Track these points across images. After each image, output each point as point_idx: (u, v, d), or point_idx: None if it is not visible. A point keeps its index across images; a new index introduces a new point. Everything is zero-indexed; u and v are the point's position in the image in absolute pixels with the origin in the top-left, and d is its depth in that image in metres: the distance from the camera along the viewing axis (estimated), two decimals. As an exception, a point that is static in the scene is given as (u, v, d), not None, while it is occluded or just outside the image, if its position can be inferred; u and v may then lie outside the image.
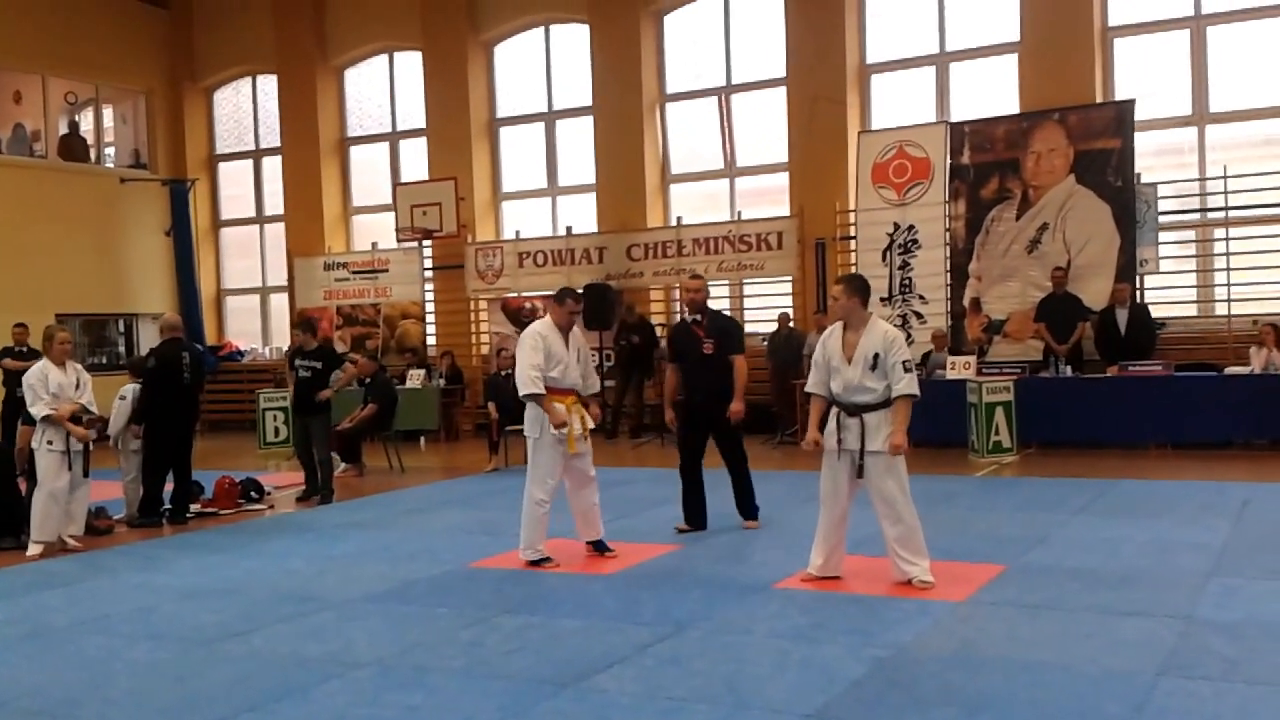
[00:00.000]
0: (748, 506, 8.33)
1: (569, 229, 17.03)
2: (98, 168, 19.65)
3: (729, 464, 8.28)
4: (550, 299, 7.86)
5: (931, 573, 6.26)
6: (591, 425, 7.46)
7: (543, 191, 18.00)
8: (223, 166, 20.90)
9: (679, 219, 16.33)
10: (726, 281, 16.15)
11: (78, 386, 8.62)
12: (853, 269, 14.63)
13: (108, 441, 10.09)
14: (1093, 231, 13.30)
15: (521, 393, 7.26)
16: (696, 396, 8.11)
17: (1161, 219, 13.42)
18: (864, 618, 5.69)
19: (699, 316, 8.18)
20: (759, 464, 8.44)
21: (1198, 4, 13.80)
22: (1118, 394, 11.99)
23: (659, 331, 15.86)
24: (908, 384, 6.22)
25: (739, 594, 6.30)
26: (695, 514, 8.22)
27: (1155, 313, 13.13)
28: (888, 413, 6.25)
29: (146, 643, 5.78)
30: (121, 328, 19.71)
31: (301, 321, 12.09)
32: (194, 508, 10.06)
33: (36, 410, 8.40)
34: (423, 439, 15.83)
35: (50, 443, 8.44)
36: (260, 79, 20.19)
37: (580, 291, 7.79)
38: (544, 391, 7.16)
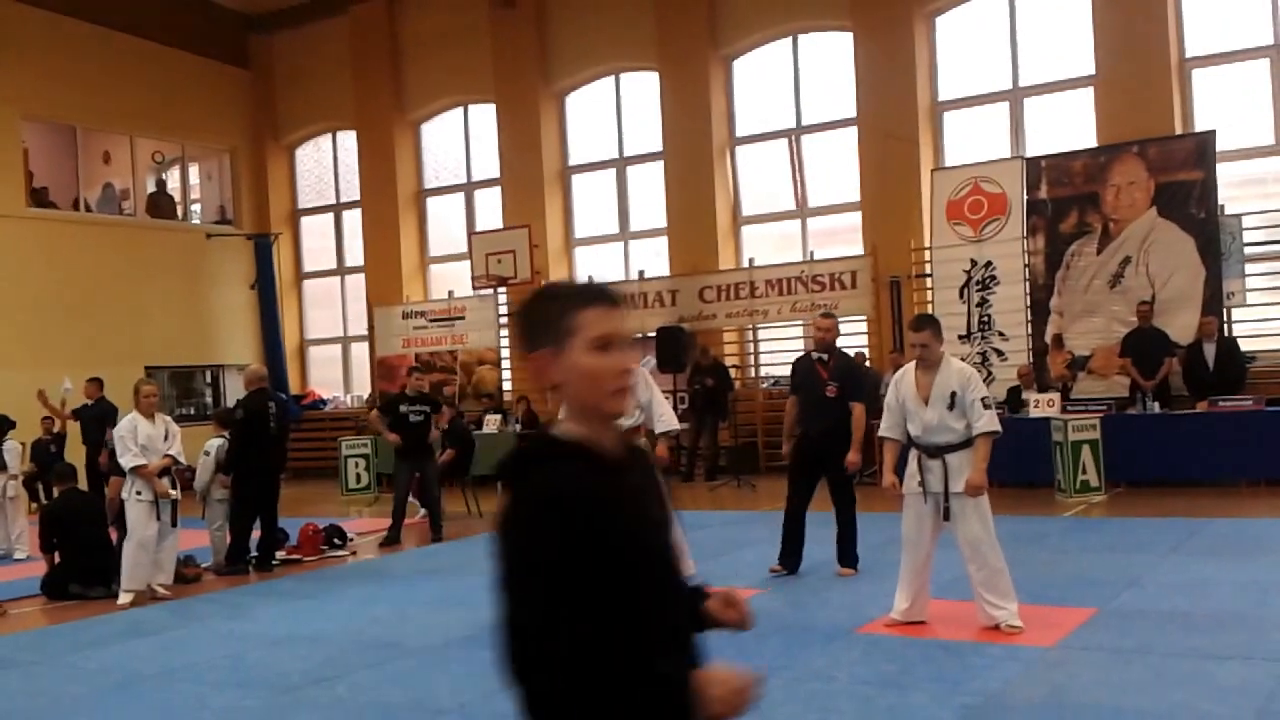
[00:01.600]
0: (848, 554, 8.11)
1: (641, 273, 17.12)
2: (184, 224, 20.24)
3: (837, 507, 8.11)
4: None
5: (1020, 617, 6.11)
6: None
7: (614, 236, 18.15)
8: (305, 220, 21.41)
9: (751, 260, 16.33)
10: (800, 322, 16.06)
11: (166, 438, 8.83)
12: (929, 307, 14.48)
13: (194, 492, 10.32)
14: (1177, 264, 13.02)
15: None
16: (811, 433, 7.95)
17: (1247, 250, 13.10)
18: (951, 664, 5.57)
19: (825, 355, 8.10)
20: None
21: (1277, 32, 13.53)
22: (1207, 430, 11.67)
23: (733, 374, 15.84)
24: (988, 421, 6.12)
25: (822, 639, 6.21)
26: (792, 556, 8.06)
27: (1244, 346, 12.79)
28: (970, 452, 6.15)
29: (234, 690, 5.86)
30: (208, 378, 20.19)
31: (412, 368, 12.36)
32: (279, 554, 10.23)
33: (126, 461, 8.62)
34: (499, 484, 15.89)
35: (139, 493, 8.64)
36: (340, 135, 20.70)
37: None
38: None
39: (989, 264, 14.12)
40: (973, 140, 15.29)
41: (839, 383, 7.92)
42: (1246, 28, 13.72)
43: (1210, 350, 12.35)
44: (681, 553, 7.51)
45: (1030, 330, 13.91)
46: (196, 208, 21.02)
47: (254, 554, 9.93)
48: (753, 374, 16.70)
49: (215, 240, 20.04)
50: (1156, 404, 12.27)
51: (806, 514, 8.03)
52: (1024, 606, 6.21)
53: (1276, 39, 13.53)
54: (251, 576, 9.64)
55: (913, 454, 6.32)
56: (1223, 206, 13.05)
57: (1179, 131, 13.67)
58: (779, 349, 16.71)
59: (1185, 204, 13.05)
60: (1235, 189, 13.48)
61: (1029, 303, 13.93)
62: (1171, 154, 13.27)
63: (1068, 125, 14.58)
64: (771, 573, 7.96)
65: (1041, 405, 12.40)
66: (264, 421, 9.85)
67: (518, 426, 16.31)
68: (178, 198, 20.44)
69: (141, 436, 8.67)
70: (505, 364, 18.28)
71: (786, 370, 16.14)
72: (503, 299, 18.14)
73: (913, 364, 6.41)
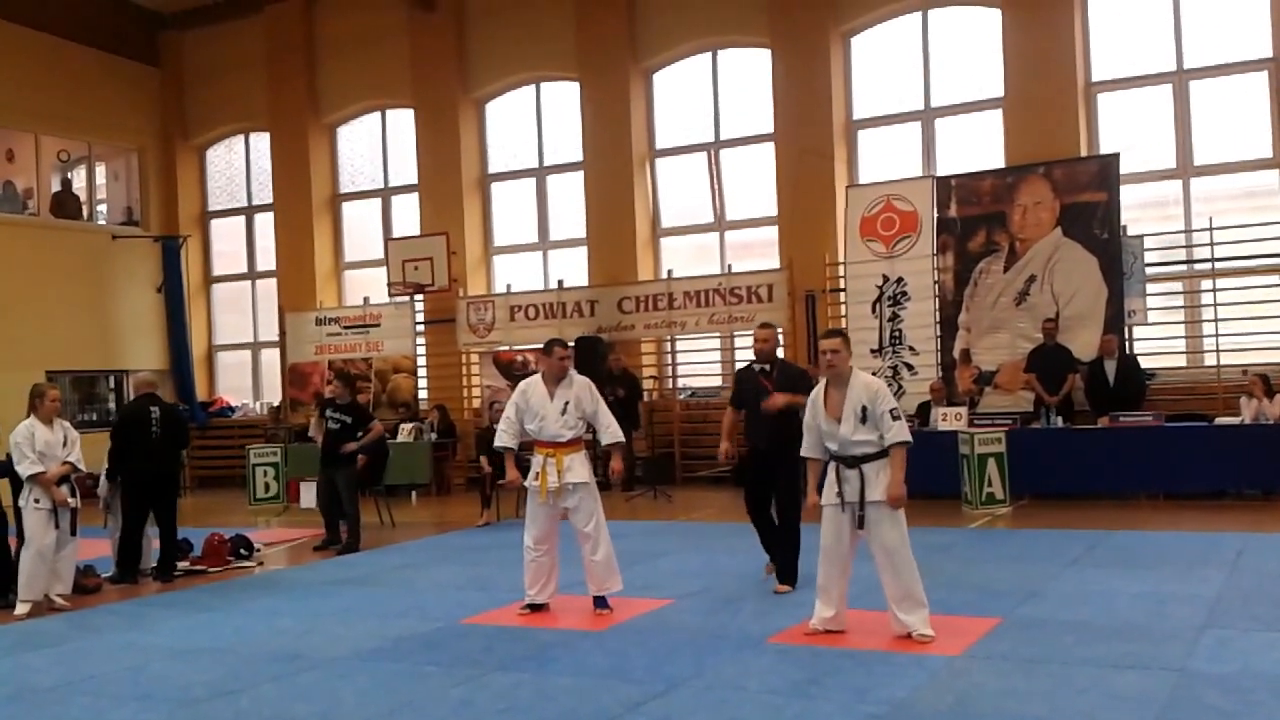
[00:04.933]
0: (788, 570, 7.83)
1: (560, 283, 17.10)
2: (90, 225, 19.70)
3: (780, 523, 7.86)
4: (539, 351, 7.95)
5: (930, 625, 6.22)
6: (578, 479, 7.39)
7: (534, 246, 18.09)
8: (215, 223, 20.97)
9: (669, 272, 16.41)
10: (717, 334, 16.20)
11: (65, 444, 8.58)
12: (842, 321, 14.71)
13: (96, 500, 10.04)
14: (1080, 283, 13.39)
15: (494, 445, 7.82)
16: (760, 446, 7.79)
17: (1148, 270, 13.52)
18: (859, 673, 5.64)
19: (768, 366, 7.92)
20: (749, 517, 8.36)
21: (1180, 59, 14.01)
22: (1109, 445, 11.99)
23: (651, 385, 15.88)
24: (898, 431, 6.23)
25: (733, 649, 6.24)
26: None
27: (1144, 364, 13.18)
28: (886, 462, 6.25)
29: (133, 703, 5.70)
30: (112, 384, 19.65)
31: (340, 374, 12.24)
32: (183, 565, 9.99)
33: (23, 469, 8.35)
34: (414, 493, 15.76)
35: (37, 501, 8.38)
36: (253, 136, 20.33)
37: (562, 340, 7.80)
38: (510, 446, 7.55)
39: (900, 280, 14.38)
40: (886, 158, 15.57)
41: (782, 390, 7.70)
42: (1151, 54, 14.17)
43: (1111, 367, 12.72)
44: (609, 568, 7.47)
45: (939, 346, 14.18)
46: (102, 208, 20.46)
47: (152, 565, 9.69)
48: (670, 385, 16.77)
49: (121, 242, 19.53)
50: (1060, 419, 12.58)
51: (770, 517, 7.93)
52: (931, 616, 6.31)
53: (1179, 65, 14.01)
54: (153, 587, 9.39)
55: (831, 465, 6.40)
56: (1125, 227, 13.45)
57: (1084, 154, 14.06)
58: (696, 360, 16.81)
59: (1089, 224, 13.42)
60: (1137, 211, 13.91)
61: (938, 319, 14.21)
62: (1076, 176, 13.65)
63: (977, 146, 14.92)
64: (768, 572, 7.97)
65: (949, 419, 12.63)
66: (143, 426, 9.62)
67: (433, 435, 16.17)
68: (83, 198, 19.89)
69: (39, 443, 8.42)
70: (422, 372, 18.11)
71: (704, 382, 16.51)
72: (419, 306, 17.98)
73: (824, 382, 6.48)
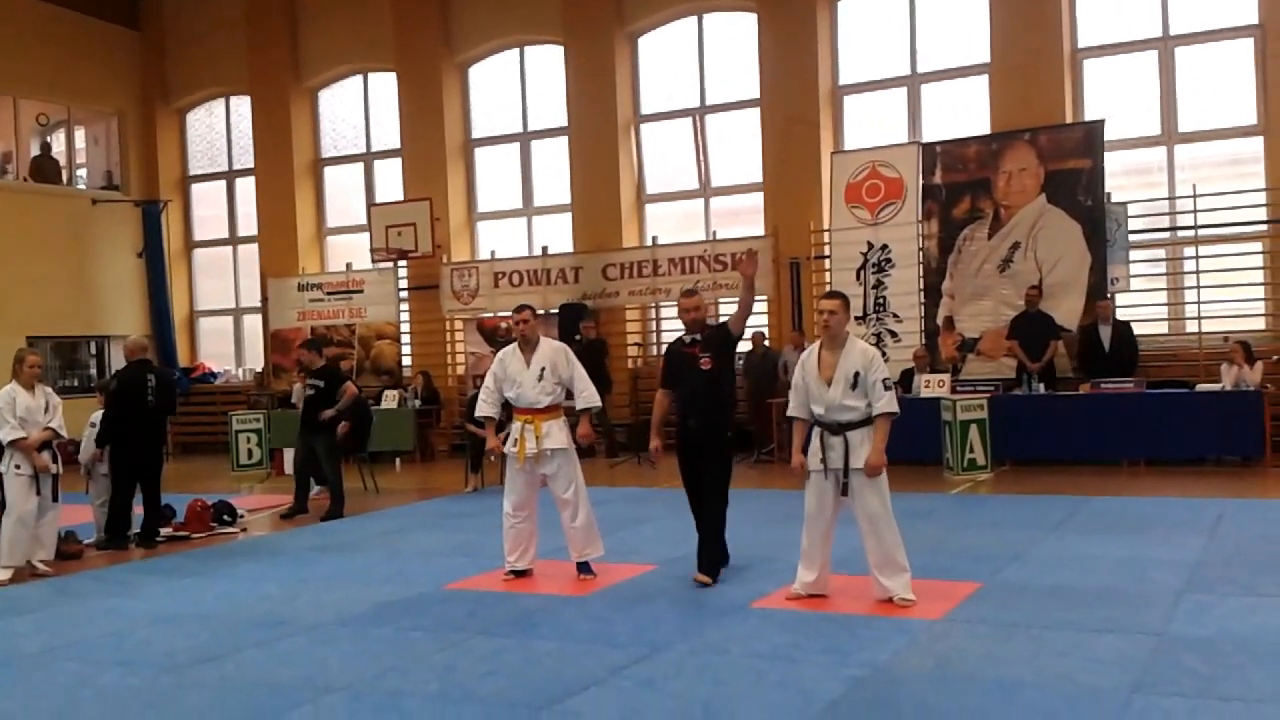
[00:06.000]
0: (711, 559, 7.11)
1: (545, 249, 17.03)
2: (69, 189, 19.51)
3: (706, 504, 7.17)
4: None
5: (912, 590, 6.26)
6: (556, 445, 7.37)
7: (518, 212, 18.00)
8: (196, 188, 20.80)
9: (654, 239, 16.36)
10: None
11: (46, 410, 8.53)
12: (828, 288, 14.68)
13: (78, 466, 10.00)
14: (1064, 250, 13.40)
15: (475, 415, 7.98)
16: (690, 421, 7.19)
17: (1132, 238, 13.54)
18: (842, 637, 5.68)
19: (697, 336, 7.31)
20: (737, 482, 8.35)
21: (1166, 25, 13.97)
22: (1091, 411, 12.06)
23: (636, 352, 15.84)
24: (887, 402, 6.24)
25: (716, 614, 6.27)
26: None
27: (1127, 330, 13.24)
28: (870, 430, 6.27)
29: (117, 669, 5.70)
30: (93, 350, 19.54)
31: (308, 341, 12.22)
32: (165, 531, 9.97)
33: (3, 434, 8.31)
34: (398, 460, 15.75)
35: (18, 467, 8.34)
36: (233, 100, 20.12)
37: (527, 305, 7.76)
38: (491, 415, 7.64)
39: (885, 247, 14.37)
40: (871, 124, 15.51)
41: (711, 351, 7.16)
42: (1136, 20, 14.13)
43: (1106, 333, 12.76)
44: (589, 534, 7.49)
45: (923, 312, 14.20)
46: (82, 173, 20.27)
47: (136, 530, 9.67)
48: (655, 352, 16.75)
49: (101, 206, 19.36)
50: (1042, 386, 12.64)
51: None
52: (912, 580, 6.36)
53: (1165, 31, 13.97)
54: (135, 553, 9.37)
55: (815, 431, 6.42)
56: (1109, 194, 13.46)
57: (1069, 120, 14.04)
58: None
59: (1073, 191, 13.42)
60: (1122, 177, 13.91)
61: (922, 285, 14.22)
62: (1061, 142, 13.63)
63: (962, 112, 14.88)
64: (696, 582, 6.99)
65: (932, 386, 12.68)
66: (141, 393, 9.56)
67: (417, 402, 16.14)
68: (63, 162, 19.69)
69: (20, 409, 8.36)
70: (405, 339, 18.06)
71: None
72: (403, 273, 17.90)
73: (818, 344, 6.48)
